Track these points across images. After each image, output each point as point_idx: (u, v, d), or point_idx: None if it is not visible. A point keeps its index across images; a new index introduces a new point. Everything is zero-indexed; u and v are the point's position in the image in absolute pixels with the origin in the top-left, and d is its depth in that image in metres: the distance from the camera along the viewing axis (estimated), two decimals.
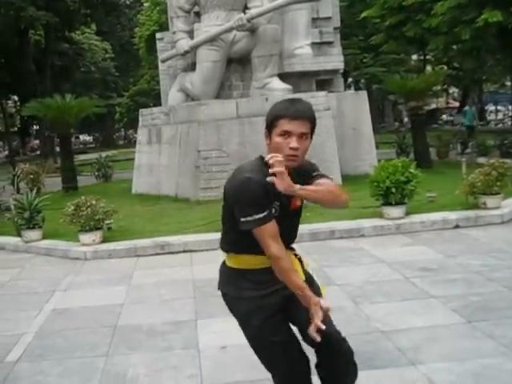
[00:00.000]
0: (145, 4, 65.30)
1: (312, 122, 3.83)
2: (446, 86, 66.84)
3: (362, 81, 57.72)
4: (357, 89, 55.72)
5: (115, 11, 59.62)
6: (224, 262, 4.22)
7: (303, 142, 3.78)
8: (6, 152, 73.45)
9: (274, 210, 3.85)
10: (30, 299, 9.66)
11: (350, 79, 56.92)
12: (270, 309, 4.04)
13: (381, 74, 43.35)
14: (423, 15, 29.58)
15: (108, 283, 10.21)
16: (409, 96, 22.84)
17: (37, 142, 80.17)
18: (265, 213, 3.72)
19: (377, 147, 21.51)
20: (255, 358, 6.18)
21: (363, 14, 34.99)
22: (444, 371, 5.73)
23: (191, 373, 5.99)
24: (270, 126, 3.82)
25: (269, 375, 5.91)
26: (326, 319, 3.94)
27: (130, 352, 6.85)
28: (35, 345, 7.46)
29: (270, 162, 3.56)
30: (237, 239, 3.99)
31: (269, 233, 3.75)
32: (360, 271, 9.63)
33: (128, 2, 69.43)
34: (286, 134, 3.73)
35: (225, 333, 6.76)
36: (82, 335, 7.66)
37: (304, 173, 3.98)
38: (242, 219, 3.74)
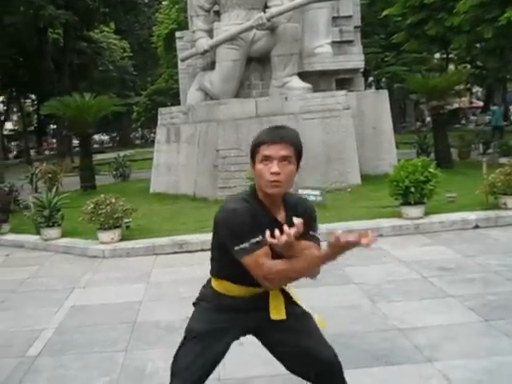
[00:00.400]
0: (163, 2, 65.46)
1: (296, 146, 3.66)
2: (469, 86, 66.36)
3: (383, 80, 57.52)
4: (378, 88, 55.56)
5: (134, 10, 59.87)
6: (210, 283, 4.12)
7: (285, 167, 3.60)
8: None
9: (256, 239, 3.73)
10: (50, 296, 9.75)
11: (370, 78, 56.77)
12: (229, 324, 3.98)
13: (402, 72, 43.19)
14: (445, 14, 29.42)
15: (126, 281, 10.26)
16: (430, 95, 22.73)
17: (53, 140, 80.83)
18: (257, 238, 3.55)
19: (397, 147, 21.46)
20: (268, 353, 6.23)
21: (384, 13, 34.86)
22: (460, 368, 5.75)
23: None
24: (253, 154, 3.71)
25: (284, 370, 5.97)
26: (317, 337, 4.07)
27: (148, 347, 6.90)
28: (55, 340, 7.54)
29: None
30: (221, 267, 3.93)
31: (262, 254, 3.56)
32: (378, 270, 9.64)
33: (147, 1, 69.60)
34: (267, 159, 3.60)
35: None
36: (101, 331, 7.73)
37: (296, 211, 3.78)
38: (236, 248, 3.59)
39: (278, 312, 3.91)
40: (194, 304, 4.19)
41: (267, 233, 3.33)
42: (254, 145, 3.70)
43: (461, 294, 8.03)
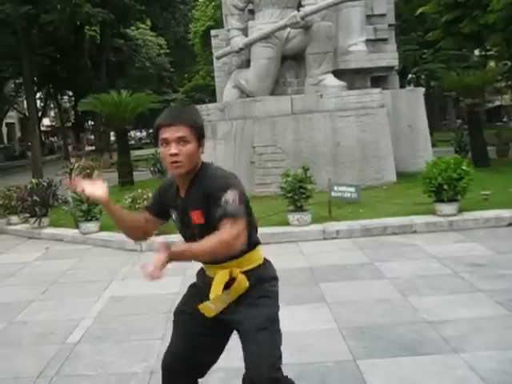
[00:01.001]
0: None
1: (191, 126, 3.75)
2: (510, 83, 65.47)
3: (423, 77, 57.09)
4: (418, 85, 55.19)
5: (170, 7, 59.97)
6: None
7: (183, 147, 3.71)
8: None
9: (173, 216, 4.07)
10: (89, 287, 10.04)
11: (410, 75, 56.43)
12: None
13: (440, 70, 42.72)
14: (479, 11, 29.31)
15: (163, 274, 10.43)
16: (465, 93, 22.68)
17: (91, 137, 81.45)
18: (148, 206, 4.26)
19: (436, 145, 21.37)
20: (303, 342, 6.50)
21: (419, 10, 34.77)
22: (486, 359, 5.87)
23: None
24: (156, 138, 3.82)
25: (317, 358, 6.19)
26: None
27: None
28: (94, 328, 7.82)
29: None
30: None
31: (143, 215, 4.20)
32: (410, 266, 9.76)
33: None
34: (165, 141, 3.72)
35: None
36: (138, 320, 8.00)
37: (203, 186, 3.81)
38: None
39: (213, 291, 3.89)
40: None
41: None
42: (155, 129, 3.82)
43: (491, 288, 8.15)
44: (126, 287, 9.93)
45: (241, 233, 3.59)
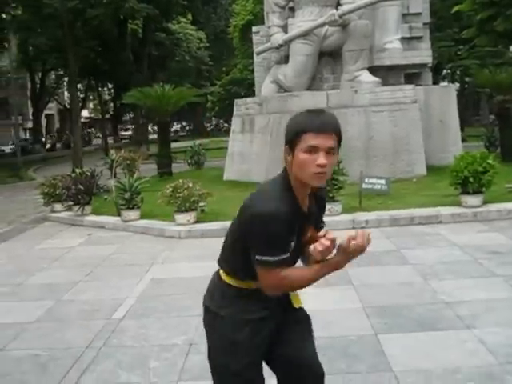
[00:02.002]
0: None
1: (338, 135, 3.26)
2: None
3: (458, 73, 56.87)
4: (452, 81, 55.07)
5: (212, 2, 60.36)
6: (219, 276, 3.72)
7: (331, 158, 3.21)
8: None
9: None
10: (131, 270, 10.69)
11: (444, 71, 56.30)
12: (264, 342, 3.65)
13: (475, 66, 42.60)
14: None
15: (200, 259, 10.94)
16: (498, 90, 22.91)
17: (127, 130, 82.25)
18: (285, 255, 3.24)
19: (467, 140, 21.45)
20: (330, 319, 7.08)
21: (455, 9, 34.88)
22: (495, 334, 6.44)
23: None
24: (293, 141, 3.26)
25: (342, 333, 6.76)
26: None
27: None
28: (137, 306, 8.48)
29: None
30: (247, 268, 3.41)
31: (283, 269, 3.26)
32: (433, 253, 10.28)
33: None
34: (313, 149, 3.18)
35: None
36: (177, 300, 8.63)
37: (316, 199, 3.55)
38: (258, 257, 3.24)
39: (297, 299, 3.75)
40: (208, 310, 3.82)
41: (311, 247, 3.23)
42: (295, 130, 3.27)
43: (507, 274, 8.66)
44: (165, 270, 10.58)
45: None
